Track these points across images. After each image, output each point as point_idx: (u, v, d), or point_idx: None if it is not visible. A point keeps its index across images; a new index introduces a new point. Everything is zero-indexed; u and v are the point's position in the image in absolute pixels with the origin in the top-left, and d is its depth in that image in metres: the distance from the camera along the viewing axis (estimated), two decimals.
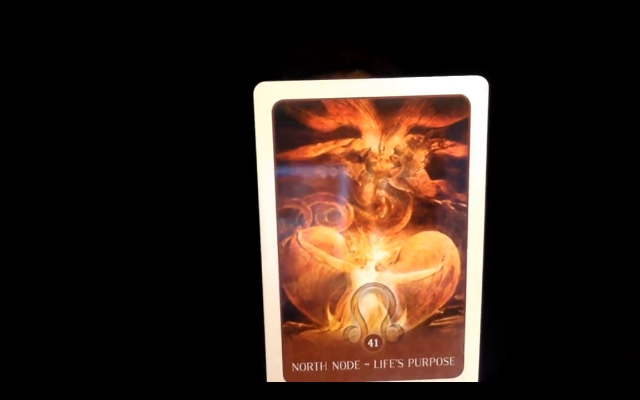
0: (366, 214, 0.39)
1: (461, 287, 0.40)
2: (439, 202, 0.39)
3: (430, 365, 0.42)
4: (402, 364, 0.41)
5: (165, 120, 0.46)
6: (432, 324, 0.41)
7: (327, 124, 0.38)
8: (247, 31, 0.44)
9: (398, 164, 0.38)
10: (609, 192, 0.46)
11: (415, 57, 0.43)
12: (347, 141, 0.38)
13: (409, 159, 0.38)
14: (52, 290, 0.49)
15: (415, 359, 0.41)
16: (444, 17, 0.43)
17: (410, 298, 0.40)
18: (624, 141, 0.46)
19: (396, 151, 0.38)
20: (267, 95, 0.37)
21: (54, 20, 0.45)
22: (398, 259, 0.40)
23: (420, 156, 0.38)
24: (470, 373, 0.41)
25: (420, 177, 0.39)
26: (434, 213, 0.39)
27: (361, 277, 0.40)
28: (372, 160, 0.38)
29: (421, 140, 0.38)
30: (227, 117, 0.44)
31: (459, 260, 0.40)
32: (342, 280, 0.40)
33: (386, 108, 0.37)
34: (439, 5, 0.43)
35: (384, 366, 0.41)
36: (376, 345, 0.41)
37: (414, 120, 0.38)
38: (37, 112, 0.47)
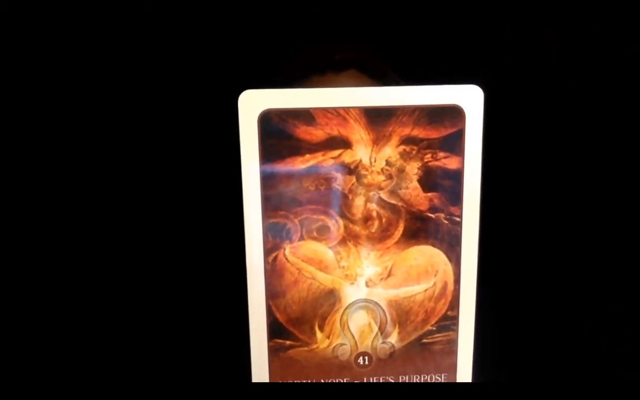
0: (356, 228, 0.37)
1: (454, 303, 0.39)
2: (432, 215, 0.37)
3: (422, 382, 0.40)
4: (392, 381, 0.40)
5: (145, 133, 0.44)
6: (424, 340, 0.39)
7: (316, 134, 0.36)
8: (231, 37, 0.42)
9: (390, 177, 0.37)
10: (605, 204, 0.45)
11: (408, 65, 0.41)
12: (336, 152, 0.36)
13: (401, 171, 0.37)
14: (39, 287, 0.47)
15: (407, 376, 0.40)
16: (438, 25, 0.42)
17: (402, 314, 0.39)
18: (622, 149, 0.44)
19: (388, 163, 0.37)
20: (253, 104, 0.35)
21: (41, 28, 0.43)
22: (389, 275, 0.38)
23: (413, 168, 0.37)
24: None
25: (412, 190, 0.37)
26: (427, 227, 0.38)
27: (351, 293, 0.38)
28: (363, 172, 0.37)
29: (414, 152, 0.36)
30: (211, 127, 0.42)
31: (452, 276, 0.38)
32: (331, 296, 0.38)
33: (377, 118, 0.36)
34: (433, 12, 0.41)
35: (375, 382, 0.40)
36: (366, 362, 0.39)
37: (406, 131, 0.36)
38: (25, 114, 0.46)
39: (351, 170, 0.36)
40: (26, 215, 0.47)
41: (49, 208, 0.47)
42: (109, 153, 0.46)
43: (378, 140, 0.36)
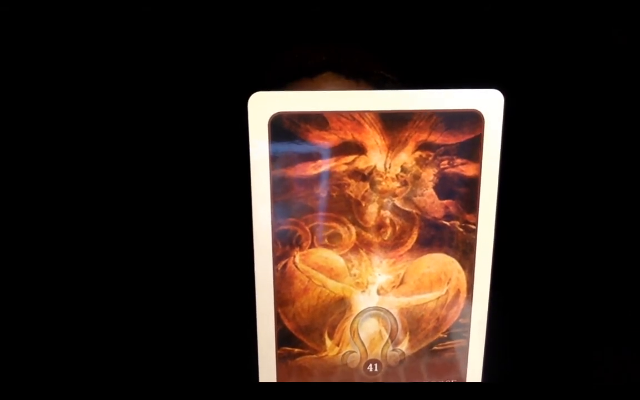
0: (369, 236, 0.36)
1: (466, 311, 0.38)
2: (447, 223, 0.36)
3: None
4: None
5: (154, 137, 0.43)
6: (435, 347, 0.39)
7: (329, 139, 0.34)
8: (240, 37, 0.40)
9: (405, 183, 0.35)
10: (625, 216, 0.44)
11: (425, 68, 0.40)
12: (350, 158, 0.35)
13: (416, 177, 0.35)
14: (45, 288, 0.46)
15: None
16: (456, 26, 0.40)
17: (413, 322, 0.38)
18: None
19: (403, 169, 0.35)
20: (263, 107, 0.33)
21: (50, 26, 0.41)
22: (401, 283, 0.37)
23: (429, 175, 0.35)
24: None
25: (428, 197, 0.36)
26: (441, 235, 0.37)
27: (362, 301, 0.37)
28: (377, 178, 0.35)
29: (430, 158, 0.35)
30: (220, 131, 0.40)
31: (465, 284, 0.38)
32: (341, 304, 0.37)
33: (393, 123, 0.34)
34: (451, 14, 0.39)
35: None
36: (376, 369, 0.39)
37: (423, 136, 0.35)
38: (33, 114, 0.44)
39: (365, 176, 0.35)
40: (37, 216, 0.46)
41: (59, 209, 0.45)
42: (117, 156, 0.44)
43: (393, 146, 0.35)
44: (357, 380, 0.39)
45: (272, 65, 0.39)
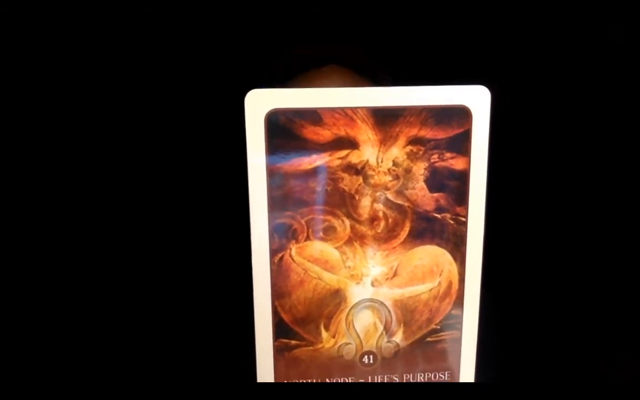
0: (363, 229, 0.37)
1: (459, 302, 0.39)
2: (438, 216, 0.38)
3: (426, 380, 0.41)
4: (397, 379, 0.40)
5: (150, 133, 0.44)
6: (429, 339, 0.40)
7: (323, 134, 0.36)
8: (237, 36, 0.41)
9: (396, 177, 0.37)
10: (612, 206, 0.45)
11: (415, 66, 0.41)
12: (343, 153, 0.36)
13: (408, 171, 0.37)
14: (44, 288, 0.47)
15: (411, 375, 0.40)
16: (445, 25, 0.42)
17: (407, 314, 0.39)
18: (631, 151, 0.44)
19: (395, 163, 0.37)
20: (259, 104, 0.35)
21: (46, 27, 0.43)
22: (395, 274, 0.38)
23: (420, 169, 0.37)
24: None
25: (419, 191, 0.37)
26: (433, 227, 0.38)
27: (357, 293, 0.38)
28: (370, 172, 0.37)
29: (421, 152, 0.36)
30: (217, 127, 0.41)
31: (457, 275, 0.39)
32: (337, 296, 0.38)
33: (385, 118, 0.36)
34: (440, 13, 0.41)
35: (379, 382, 0.40)
36: (371, 361, 0.40)
37: (413, 131, 0.36)
38: (29, 112, 0.45)
39: (358, 170, 0.36)
40: (31, 214, 0.46)
41: (54, 208, 0.46)
42: (113, 153, 0.45)
43: (385, 141, 0.36)
44: (352, 372, 0.40)
45: (268, 63, 0.40)
